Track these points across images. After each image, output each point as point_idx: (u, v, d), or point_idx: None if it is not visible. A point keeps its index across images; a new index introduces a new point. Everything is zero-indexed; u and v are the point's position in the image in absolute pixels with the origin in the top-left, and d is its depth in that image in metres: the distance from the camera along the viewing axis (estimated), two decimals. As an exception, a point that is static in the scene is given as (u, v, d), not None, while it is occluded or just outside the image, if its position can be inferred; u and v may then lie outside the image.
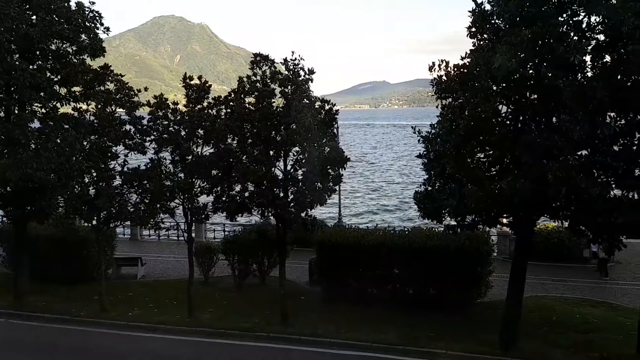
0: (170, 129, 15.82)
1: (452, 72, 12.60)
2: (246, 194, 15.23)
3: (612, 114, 11.81)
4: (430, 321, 14.92)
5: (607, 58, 11.49)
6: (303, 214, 15.39)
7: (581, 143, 11.40)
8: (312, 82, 15.28)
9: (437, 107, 13.40)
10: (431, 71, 12.84)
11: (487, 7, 12.53)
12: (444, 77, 12.79)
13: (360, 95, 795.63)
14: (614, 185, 11.86)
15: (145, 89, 17.67)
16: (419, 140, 13.59)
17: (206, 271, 19.68)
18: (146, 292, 18.54)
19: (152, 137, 16.16)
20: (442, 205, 12.95)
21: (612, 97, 11.01)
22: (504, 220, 13.98)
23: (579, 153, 11.85)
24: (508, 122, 12.70)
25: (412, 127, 13.97)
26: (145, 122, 16.35)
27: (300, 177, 15.29)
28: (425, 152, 13.50)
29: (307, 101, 15.02)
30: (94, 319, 16.02)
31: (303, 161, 15.16)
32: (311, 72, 15.19)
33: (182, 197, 15.80)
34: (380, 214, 42.41)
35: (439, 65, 12.73)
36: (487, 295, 16.60)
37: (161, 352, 14.02)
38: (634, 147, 11.73)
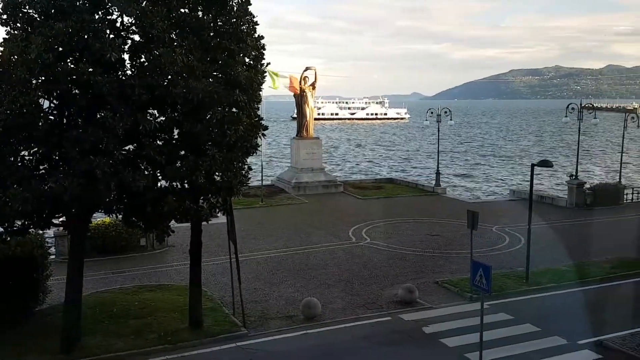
0: None
1: (-15, 61, 11.11)
2: None
3: (154, 111, 12.82)
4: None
5: (144, 58, 12.36)
6: None
7: (126, 138, 11.96)
8: None
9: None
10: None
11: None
12: (-25, 66, 11.15)
13: None
14: (160, 177, 12.97)
15: None
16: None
17: None
18: None
19: None
20: (-15, 211, 11.38)
21: (151, 95, 11.95)
22: (57, 221, 13.39)
23: (126, 148, 12.40)
24: (53, 117, 12.15)
25: None
26: None
27: None
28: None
29: None
30: None
31: None
32: None
33: None
34: None
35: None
36: (47, 301, 15.59)
37: None
38: (174, 142, 13.09)
